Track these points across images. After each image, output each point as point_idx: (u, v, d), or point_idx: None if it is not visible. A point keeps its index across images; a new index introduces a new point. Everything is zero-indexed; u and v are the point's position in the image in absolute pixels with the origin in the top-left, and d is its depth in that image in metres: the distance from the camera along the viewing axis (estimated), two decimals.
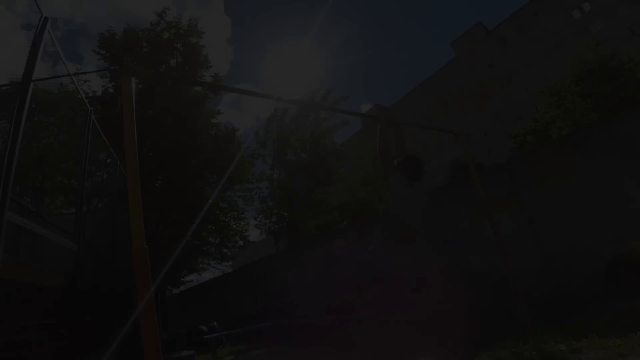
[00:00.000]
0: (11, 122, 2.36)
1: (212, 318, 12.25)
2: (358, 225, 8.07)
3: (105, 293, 5.02)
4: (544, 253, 5.29)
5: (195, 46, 15.66)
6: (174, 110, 13.40)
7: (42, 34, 2.79)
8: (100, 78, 14.84)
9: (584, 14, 35.50)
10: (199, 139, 14.05)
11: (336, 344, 5.80)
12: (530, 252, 5.41)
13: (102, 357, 4.42)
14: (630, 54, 16.95)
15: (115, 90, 13.80)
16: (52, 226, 3.92)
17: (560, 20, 37.18)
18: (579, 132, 5.38)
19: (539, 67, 38.77)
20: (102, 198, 6.17)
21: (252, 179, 16.27)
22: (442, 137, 46.65)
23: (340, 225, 16.03)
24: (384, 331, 5.78)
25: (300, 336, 6.85)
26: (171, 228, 13.71)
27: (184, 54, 15.44)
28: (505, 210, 5.66)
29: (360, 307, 7.42)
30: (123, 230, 5.86)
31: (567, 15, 36.72)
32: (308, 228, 16.00)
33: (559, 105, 18.69)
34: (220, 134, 15.45)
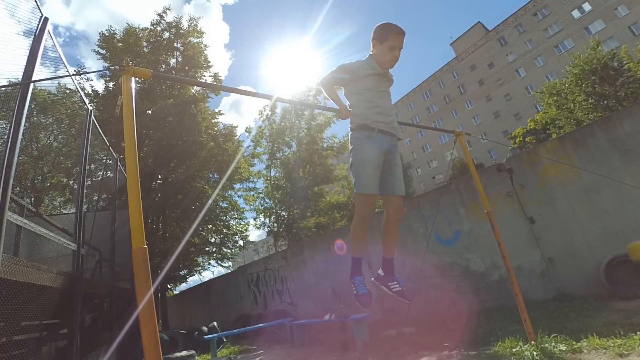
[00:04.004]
0: (11, 122, 2.36)
1: (212, 318, 12.26)
2: None
3: (105, 293, 5.02)
4: (544, 253, 5.29)
5: (196, 46, 15.66)
6: (174, 109, 13.40)
7: (42, 34, 2.80)
8: (99, 77, 14.90)
9: (584, 14, 35.48)
10: (199, 138, 14.04)
11: (336, 344, 5.80)
12: (530, 252, 5.41)
13: (102, 357, 4.43)
14: (630, 54, 16.95)
15: (115, 90, 13.80)
16: (52, 226, 3.92)
17: (560, 20, 37.17)
18: (579, 132, 5.37)
19: (539, 67, 38.76)
20: (103, 197, 6.17)
21: (252, 178, 16.28)
22: (442, 137, 46.67)
23: (339, 224, 16.03)
24: (384, 330, 5.78)
25: (300, 336, 6.85)
26: (171, 227, 13.73)
27: (184, 54, 15.44)
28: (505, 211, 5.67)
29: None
30: (123, 229, 5.86)
31: (567, 15, 36.70)
32: (308, 227, 15.97)
33: (559, 105, 18.71)
34: (219, 133, 15.45)
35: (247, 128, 16.95)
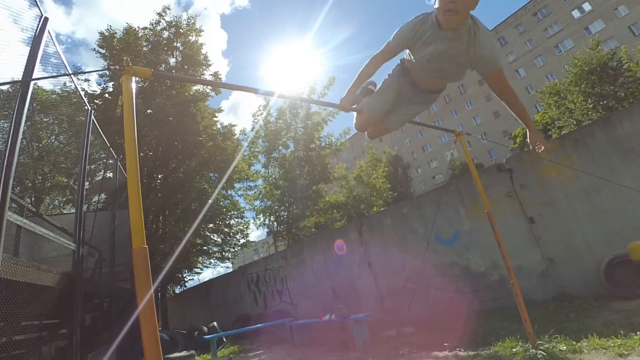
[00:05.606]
0: (11, 122, 2.36)
1: (212, 318, 12.26)
2: (358, 225, 8.07)
3: (105, 293, 5.02)
4: (544, 253, 5.29)
5: (195, 44, 15.66)
6: (173, 109, 13.39)
7: (42, 34, 2.79)
8: (99, 77, 14.90)
9: (584, 14, 35.48)
10: (198, 138, 14.04)
11: (336, 344, 5.80)
12: (530, 252, 5.41)
13: (101, 357, 4.42)
14: (630, 54, 16.96)
15: (115, 90, 13.79)
16: (52, 226, 3.91)
17: (560, 20, 37.16)
18: (579, 132, 5.37)
19: (539, 67, 38.76)
20: (103, 197, 6.17)
21: (251, 177, 16.29)
22: (442, 137, 46.68)
23: (339, 223, 16.03)
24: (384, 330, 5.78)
25: (300, 336, 6.84)
26: (171, 227, 13.72)
27: (183, 53, 15.44)
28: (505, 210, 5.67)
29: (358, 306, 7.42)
30: (123, 229, 5.86)
31: (567, 15, 36.70)
32: (308, 227, 15.96)
33: (559, 105, 18.72)
34: (218, 132, 15.45)
35: (242, 130, 16.91)
